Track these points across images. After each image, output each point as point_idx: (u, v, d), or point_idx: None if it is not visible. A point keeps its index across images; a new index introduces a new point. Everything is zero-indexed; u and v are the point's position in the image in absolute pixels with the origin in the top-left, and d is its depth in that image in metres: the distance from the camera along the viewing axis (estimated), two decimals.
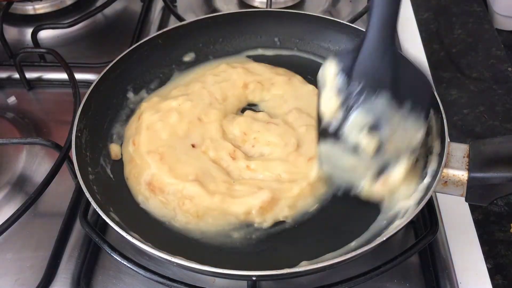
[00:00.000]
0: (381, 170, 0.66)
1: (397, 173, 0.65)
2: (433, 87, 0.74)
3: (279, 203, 0.69)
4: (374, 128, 0.63)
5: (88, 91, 0.76)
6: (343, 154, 0.66)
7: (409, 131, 0.63)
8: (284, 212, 0.69)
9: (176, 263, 0.58)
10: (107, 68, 0.80)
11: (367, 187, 0.67)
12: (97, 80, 0.78)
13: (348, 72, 0.63)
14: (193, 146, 0.76)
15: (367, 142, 0.63)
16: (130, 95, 0.85)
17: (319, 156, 0.69)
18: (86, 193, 0.64)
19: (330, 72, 0.65)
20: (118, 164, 0.77)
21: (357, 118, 0.63)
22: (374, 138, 0.63)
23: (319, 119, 0.67)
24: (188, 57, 0.91)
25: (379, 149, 0.64)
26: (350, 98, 0.63)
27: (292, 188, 0.70)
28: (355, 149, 0.64)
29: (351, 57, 0.63)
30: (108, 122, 0.80)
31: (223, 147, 0.76)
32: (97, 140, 0.77)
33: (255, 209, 0.68)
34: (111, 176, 0.75)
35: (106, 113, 0.81)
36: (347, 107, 0.63)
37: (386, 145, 0.63)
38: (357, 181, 0.67)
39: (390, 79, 0.62)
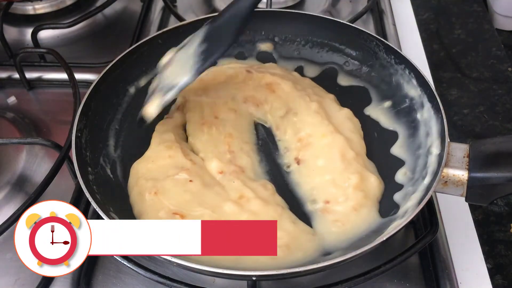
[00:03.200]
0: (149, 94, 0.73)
1: (152, 101, 0.72)
2: (432, 85, 0.74)
3: None
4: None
5: (88, 91, 0.76)
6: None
7: (182, 69, 0.70)
8: None
9: (176, 263, 0.58)
10: (107, 68, 0.80)
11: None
12: (97, 80, 0.78)
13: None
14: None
15: (166, 56, 0.75)
16: (131, 95, 0.85)
17: None
18: (86, 193, 0.64)
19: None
20: (118, 164, 0.77)
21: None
22: (170, 55, 0.74)
23: None
24: None
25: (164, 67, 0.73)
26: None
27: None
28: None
29: None
30: (108, 122, 0.80)
31: None
32: (97, 140, 0.77)
33: None
34: (111, 176, 0.75)
35: (106, 113, 0.81)
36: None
37: (166, 67, 0.73)
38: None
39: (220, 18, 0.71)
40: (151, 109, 0.71)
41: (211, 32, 0.70)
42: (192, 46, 0.71)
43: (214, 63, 0.76)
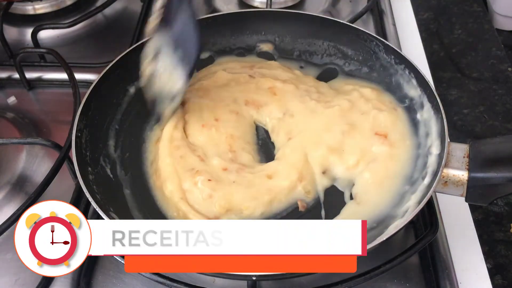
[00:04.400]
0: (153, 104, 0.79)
1: (166, 107, 0.78)
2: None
3: None
4: (155, 58, 0.76)
5: (88, 91, 0.76)
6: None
7: (173, 76, 0.75)
8: None
9: None
10: (107, 68, 0.80)
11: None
12: (97, 80, 0.78)
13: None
14: None
15: (146, 68, 0.77)
16: (131, 95, 0.85)
17: None
18: (86, 193, 0.64)
19: None
20: (118, 164, 0.77)
21: (150, 45, 0.76)
22: (150, 66, 0.76)
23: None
24: None
25: (150, 78, 0.77)
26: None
27: None
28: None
29: None
30: (108, 122, 0.80)
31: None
32: (97, 140, 0.77)
33: None
34: (111, 176, 0.75)
35: (106, 113, 0.81)
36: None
37: (155, 78, 0.76)
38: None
39: (176, 23, 0.73)
40: (167, 112, 0.79)
41: (178, 38, 0.74)
42: (168, 56, 0.75)
43: (198, 62, 0.78)
